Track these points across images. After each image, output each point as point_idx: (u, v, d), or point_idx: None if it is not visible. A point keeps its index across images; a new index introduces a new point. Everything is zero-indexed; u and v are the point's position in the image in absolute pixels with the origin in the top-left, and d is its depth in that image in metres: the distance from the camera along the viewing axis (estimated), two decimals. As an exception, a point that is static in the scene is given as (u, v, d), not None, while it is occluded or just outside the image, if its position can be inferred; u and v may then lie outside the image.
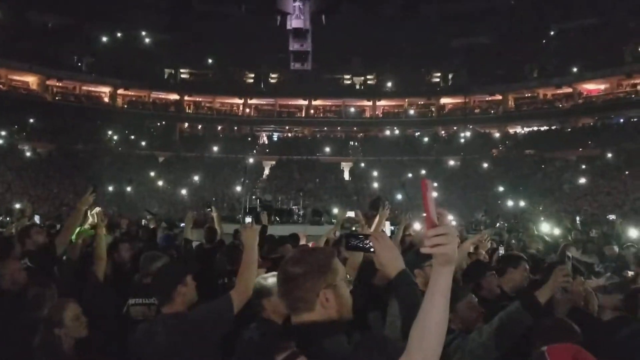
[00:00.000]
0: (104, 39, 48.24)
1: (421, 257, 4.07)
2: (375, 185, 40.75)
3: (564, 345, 1.93)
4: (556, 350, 1.81)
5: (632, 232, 9.19)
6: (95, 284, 4.39)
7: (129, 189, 37.30)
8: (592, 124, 43.86)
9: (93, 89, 49.01)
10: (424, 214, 1.61)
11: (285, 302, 1.89)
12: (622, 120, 41.83)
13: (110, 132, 45.45)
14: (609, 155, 37.22)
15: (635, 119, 40.72)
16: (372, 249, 2.20)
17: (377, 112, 52.58)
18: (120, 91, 49.07)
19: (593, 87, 44.57)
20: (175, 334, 3.02)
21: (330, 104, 53.49)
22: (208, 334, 3.06)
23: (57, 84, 46.72)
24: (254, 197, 20.62)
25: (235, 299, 3.17)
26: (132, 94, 50.38)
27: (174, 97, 51.33)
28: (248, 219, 7.40)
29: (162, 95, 51.66)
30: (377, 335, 1.99)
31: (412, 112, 51.91)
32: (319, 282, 1.86)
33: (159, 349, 2.99)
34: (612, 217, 10.00)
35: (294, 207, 20.30)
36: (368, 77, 52.84)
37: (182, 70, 52.29)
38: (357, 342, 1.79)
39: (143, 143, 46.07)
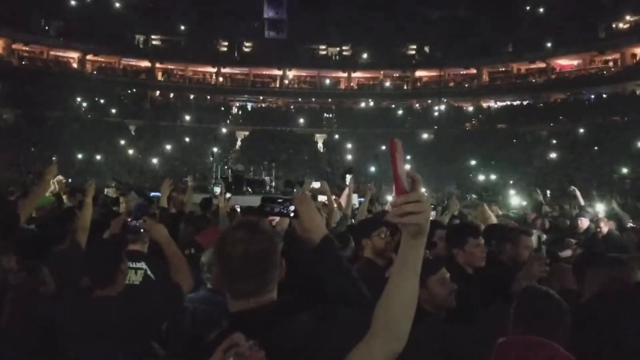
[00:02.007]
0: (73, 2, 46.81)
1: (369, 226, 4.01)
2: (349, 157, 40.79)
3: (519, 339, 1.73)
4: (505, 346, 1.63)
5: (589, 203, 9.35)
6: (78, 250, 4.26)
7: (98, 157, 36.71)
8: (563, 99, 44.33)
9: (61, 54, 47.68)
10: (393, 178, 1.41)
11: (250, 286, 1.64)
12: (593, 96, 42.33)
13: (79, 99, 44.35)
14: (580, 130, 37.75)
15: (605, 95, 41.25)
16: (292, 214, 2.01)
17: (352, 84, 52.36)
18: (89, 57, 47.81)
19: (566, 62, 44.98)
20: (118, 318, 2.80)
21: (305, 74, 53.03)
22: (153, 322, 2.86)
23: (24, 48, 45.35)
24: (225, 167, 20.39)
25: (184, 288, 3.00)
26: (102, 60, 49.17)
27: (145, 64, 50.29)
28: (217, 189, 7.27)
29: (133, 62, 50.54)
30: (340, 308, 1.80)
31: (387, 84, 51.83)
32: (279, 255, 1.70)
33: (97, 334, 2.77)
34: (572, 188, 10.08)
35: (266, 177, 20.19)
36: (344, 48, 52.41)
37: (153, 37, 51.11)
38: (320, 316, 1.62)
39: (113, 111, 45.12)
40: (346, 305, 1.78)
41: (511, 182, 30.34)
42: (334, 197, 6.75)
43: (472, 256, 3.58)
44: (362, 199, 10.13)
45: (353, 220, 6.68)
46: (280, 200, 2.07)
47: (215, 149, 25.08)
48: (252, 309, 1.62)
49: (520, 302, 2.36)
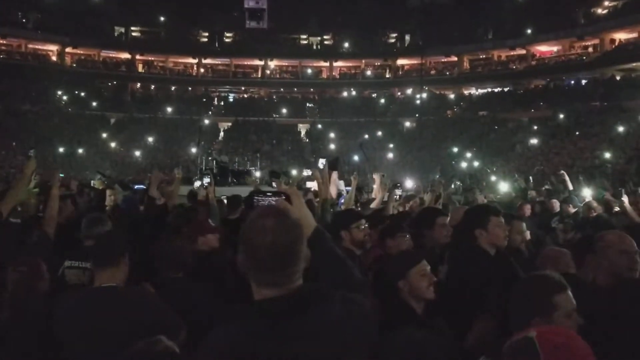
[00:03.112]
0: (50, -6, 46.12)
1: (347, 218, 4.02)
2: (332, 146, 40.83)
3: (557, 329, 1.71)
4: (547, 335, 1.58)
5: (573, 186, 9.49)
6: (47, 241, 4.22)
7: (80, 150, 36.33)
8: (544, 85, 44.67)
9: (40, 47, 47.04)
10: None
11: (279, 276, 1.59)
12: (572, 81, 42.70)
13: (59, 92, 43.80)
14: (560, 116, 38.08)
15: (585, 81, 41.65)
16: None
17: (333, 73, 52.30)
18: (68, 49, 47.21)
19: (546, 48, 45.31)
20: (111, 315, 2.67)
21: (286, 64, 52.85)
22: (151, 322, 2.66)
23: (1, 41, 44.55)
24: (209, 158, 20.32)
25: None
26: (81, 52, 48.60)
27: (125, 56, 49.77)
28: (206, 179, 7.23)
29: (113, 54, 50.01)
30: (358, 295, 1.76)
31: (368, 73, 51.87)
32: (305, 243, 1.68)
33: (87, 329, 2.66)
34: (561, 172, 10.20)
35: (250, 168, 20.16)
36: (325, 37, 52.29)
37: (133, 28, 50.61)
38: (346, 302, 1.63)
39: (94, 103, 44.65)
40: (348, 291, 1.78)
41: (494, 168, 30.58)
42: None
43: (496, 236, 3.45)
44: (348, 188, 10.19)
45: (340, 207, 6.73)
46: (269, 194, 2.09)
47: (198, 140, 25.08)
48: (281, 295, 1.58)
49: (519, 291, 2.36)
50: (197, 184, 8.62)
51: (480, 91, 48.38)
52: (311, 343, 1.49)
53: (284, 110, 48.13)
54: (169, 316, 2.81)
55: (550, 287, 2.25)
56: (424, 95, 47.56)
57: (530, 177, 15.64)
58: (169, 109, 45.94)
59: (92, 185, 9.67)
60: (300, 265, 1.62)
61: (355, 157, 37.42)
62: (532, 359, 1.50)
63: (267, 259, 1.57)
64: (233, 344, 1.52)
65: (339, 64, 51.94)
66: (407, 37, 50.92)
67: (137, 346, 2.03)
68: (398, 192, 7.77)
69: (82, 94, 44.97)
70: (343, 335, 1.56)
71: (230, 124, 46.63)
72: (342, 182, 11.66)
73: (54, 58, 47.43)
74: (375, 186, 7.76)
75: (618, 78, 39.17)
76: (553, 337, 1.53)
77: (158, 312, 2.79)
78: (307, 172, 10.61)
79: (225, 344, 1.54)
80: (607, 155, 28.82)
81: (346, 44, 51.06)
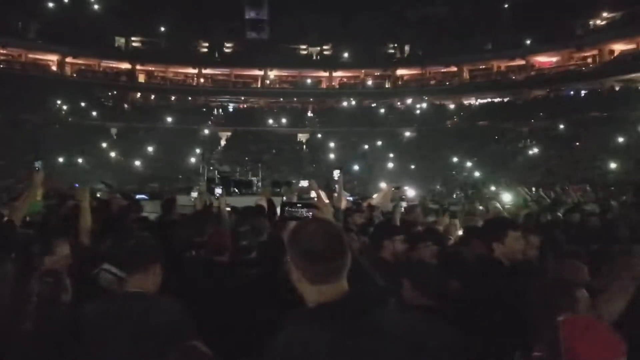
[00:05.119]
0: (51, 4, 46.19)
1: (392, 229, 4.05)
2: (332, 156, 40.85)
3: (579, 316, 1.83)
4: (571, 322, 1.69)
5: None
6: (78, 252, 4.25)
7: (80, 160, 36.33)
8: (543, 95, 44.80)
9: (40, 57, 47.14)
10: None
11: (333, 267, 1.70)
12: (572, 92, 42.85)
13: (59, 102, 43.83)
14: (560, 126, 38.17)
15: (584, 91, 41.80)
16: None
17: (333, 83, 52.42)
18: (68, 59, 47.34)
19: (545, 59, 45.49)
20: (136, 321, 2.66)
21: (286, 74, 52.99)
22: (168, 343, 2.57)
23: (2, 51, 44.67)
24: (211, 168, 20.36)
25: None
26: (81, 62, 48.71)
27: (125, 66, 49.87)
28: (218, 190, 7.17)
29: (113, 64, 50.14)
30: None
31: (368, 83, 52.03)
32: (348, 245, 1.78)
33: (109, 332, 2.65)
34: (568, 185, 10.28)
35: (252, 178, 20.18)
36: (324, 47, 52.46)
37: (133, 38, 50.71)
38: (394, 305, 1.76)
39: (94, 113, 44.71)
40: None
41: (495, 178, 30.60)
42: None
43: (512, 250, 3.54)
44: (350, 198, 10.22)
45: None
46: (299, 204, 2.17)
47: (198, 150, 25.18)
48: (341, 299, 1.67)
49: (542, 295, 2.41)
50: (194, 194, 8.57)
51: (480, 101, 48.47)
52: (374, 345, 1.58)
53: (284, 120, 48.24)
54: (190, 328, 2.76)
55: (569, 285, 2.44)
56: (424, 105, 47.72)
57: (541, 190, 15.60)
58: (169, 119, 46.02)
59: (97, 195, 9.66)
60: (347, 260, 1.73)
61: (356, 167, 37.47)
62: (552, 338, 1.61)
63: (320, 252, 1.69)
64: (299, 346, 1.61)
65: (338, 74, 52.10)
66: (407, 48, 51.07)
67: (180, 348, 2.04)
68: (403, 204, 7.77)
69: (82, 104, 44.94)
70: (399, 338, 1.65)
71: (230, 133, 46.69)
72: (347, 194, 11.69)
73: (54, 68, 47.54)
74: (375, 195, 7.77)
75: (617, 89, 39.34)
76: (578, 320, 1.64)
77: (179, 323, 2.74)
78: (304, 183, 10.65)
79: (291, 346, 1.63)
80: (607, 165, 28.87)
81: (346, 54, 51.19)
